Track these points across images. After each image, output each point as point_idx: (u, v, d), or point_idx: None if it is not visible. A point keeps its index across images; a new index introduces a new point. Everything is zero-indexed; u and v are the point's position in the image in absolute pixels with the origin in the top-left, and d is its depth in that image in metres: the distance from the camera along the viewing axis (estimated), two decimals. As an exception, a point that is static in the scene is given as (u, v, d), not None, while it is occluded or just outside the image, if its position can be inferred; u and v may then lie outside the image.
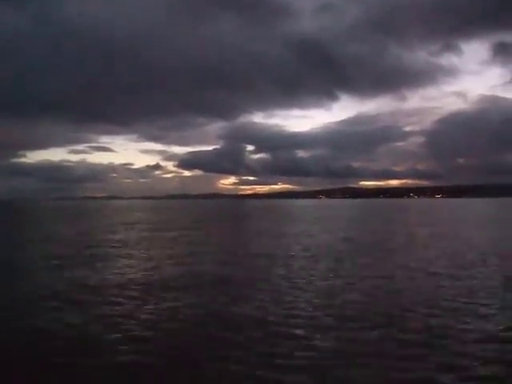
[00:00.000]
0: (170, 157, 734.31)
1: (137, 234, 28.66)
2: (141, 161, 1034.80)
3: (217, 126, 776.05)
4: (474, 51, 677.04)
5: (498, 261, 15.34)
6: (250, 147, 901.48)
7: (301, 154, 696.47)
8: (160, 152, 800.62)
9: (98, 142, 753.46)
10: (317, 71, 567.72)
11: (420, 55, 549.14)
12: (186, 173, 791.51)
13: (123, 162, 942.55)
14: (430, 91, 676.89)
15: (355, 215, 60.03)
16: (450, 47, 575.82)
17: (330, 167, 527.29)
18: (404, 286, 11.35)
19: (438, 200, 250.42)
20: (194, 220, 47.28)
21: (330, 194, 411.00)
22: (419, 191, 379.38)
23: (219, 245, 21.99)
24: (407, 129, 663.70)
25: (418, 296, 10.26)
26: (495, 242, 22.27)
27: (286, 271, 13.64)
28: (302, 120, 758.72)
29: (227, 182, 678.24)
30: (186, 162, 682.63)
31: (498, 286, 11.32)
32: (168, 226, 35.42)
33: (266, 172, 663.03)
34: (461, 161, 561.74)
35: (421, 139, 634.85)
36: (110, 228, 34.21)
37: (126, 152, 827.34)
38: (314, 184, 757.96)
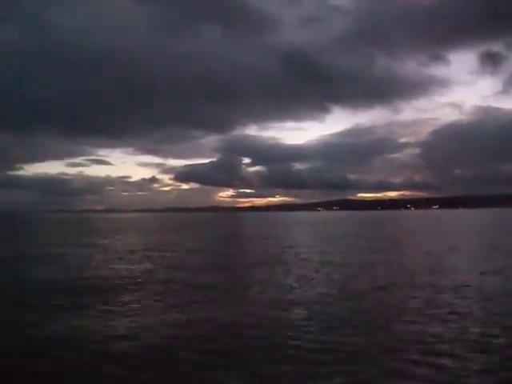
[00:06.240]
0: (166, 170, 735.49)
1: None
2: (138, 174, 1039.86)
3: (212, 139, 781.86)
4: (462, 61, 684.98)
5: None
6: (247, 160, 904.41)
7: (297, 166, 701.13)
8: (157, 165, 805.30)
9: (96, 155, 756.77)
10: (307, 84, 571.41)
11: (409, 66, 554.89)
12: (183, 186, 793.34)
13: (120, 174, 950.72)
14: (424, 102, 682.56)
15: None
16: (438, 57, 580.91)
17: (326, 179, 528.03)
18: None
19: (434, 211, 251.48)
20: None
21: (328, 206, 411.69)
22: (416, 203, 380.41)
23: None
24: (402, 140, 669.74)
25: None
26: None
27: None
28: (297, 132, 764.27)
29: (225, 195, 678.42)
30: (182, 175, 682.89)
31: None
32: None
33: (263, 185, 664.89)
34: (457, 172, 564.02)
35: (416, 151, 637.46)
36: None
37: (123, 165, 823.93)
38: (311, 196, 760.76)
